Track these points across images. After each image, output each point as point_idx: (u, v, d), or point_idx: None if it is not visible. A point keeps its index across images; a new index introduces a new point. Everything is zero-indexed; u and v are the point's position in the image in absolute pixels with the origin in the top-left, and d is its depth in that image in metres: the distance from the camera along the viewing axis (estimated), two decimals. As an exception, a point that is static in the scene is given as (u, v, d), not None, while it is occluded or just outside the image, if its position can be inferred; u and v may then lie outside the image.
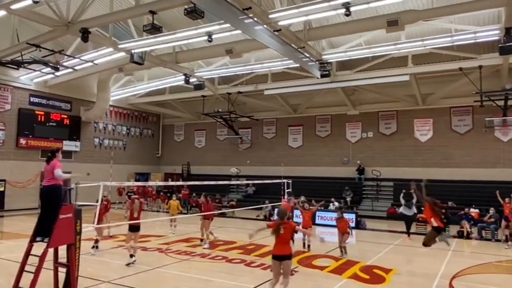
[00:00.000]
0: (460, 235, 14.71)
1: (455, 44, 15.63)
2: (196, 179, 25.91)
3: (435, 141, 22.19)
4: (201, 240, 12.48)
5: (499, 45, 13.89)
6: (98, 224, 10.11)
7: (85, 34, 14.16)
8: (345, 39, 17.19)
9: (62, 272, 6.85)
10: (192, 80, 20.98)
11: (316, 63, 17.23)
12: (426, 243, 9.17)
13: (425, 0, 13.98)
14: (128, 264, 9.44)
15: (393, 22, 13.53)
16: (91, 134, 26.49)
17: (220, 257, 10.69)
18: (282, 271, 6.46)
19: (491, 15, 15.26)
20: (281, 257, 6.45)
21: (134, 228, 9.88)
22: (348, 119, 24.75)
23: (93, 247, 10.74)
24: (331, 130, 25.38)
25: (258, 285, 8.03)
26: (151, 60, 18.27)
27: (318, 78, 18.30)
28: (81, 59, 17.86)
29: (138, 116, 30.16)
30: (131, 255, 9.62)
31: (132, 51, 16.29)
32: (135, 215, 9.93)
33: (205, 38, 14.55)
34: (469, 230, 14.76)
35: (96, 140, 26.82)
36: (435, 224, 8.87)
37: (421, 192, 9.52)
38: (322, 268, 9.57)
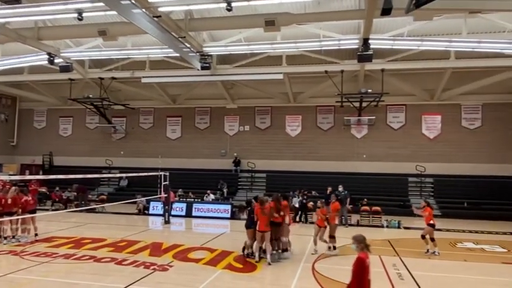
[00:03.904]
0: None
1: (323, 48, 17.42)
2: (60, 171, 23.40)
3: (303, 136, 24.24)
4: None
5: (358, 53, 15.84)
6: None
7: None
8: (225, 33, 17.46)
9: None
10: (57, 60, 18.70)
11: (196, 54, 17.09)
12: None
13: (299, 5, 15.05)
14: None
15: (270, 22, 14.34)
16: None
17: (88, 257, 9.84)
18: None
19: (353, 26, 17.23)
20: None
21: (9, 214, 11.19)
22: (226, 112, 25.28)
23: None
24: (210, 122, 25.61)
25: (128, 285, 7.62)
26: (7, 34, 15.81)
27: (198, 69, 18.18)
28: None
29: (-13, 97, 25.81)
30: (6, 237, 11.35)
31: (-20, 21, 13.80)
32: (9, 202, 11.41)
33: (75, 15, 13.15)
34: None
35: None
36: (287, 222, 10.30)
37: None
38: (197, 261, 9.59)
